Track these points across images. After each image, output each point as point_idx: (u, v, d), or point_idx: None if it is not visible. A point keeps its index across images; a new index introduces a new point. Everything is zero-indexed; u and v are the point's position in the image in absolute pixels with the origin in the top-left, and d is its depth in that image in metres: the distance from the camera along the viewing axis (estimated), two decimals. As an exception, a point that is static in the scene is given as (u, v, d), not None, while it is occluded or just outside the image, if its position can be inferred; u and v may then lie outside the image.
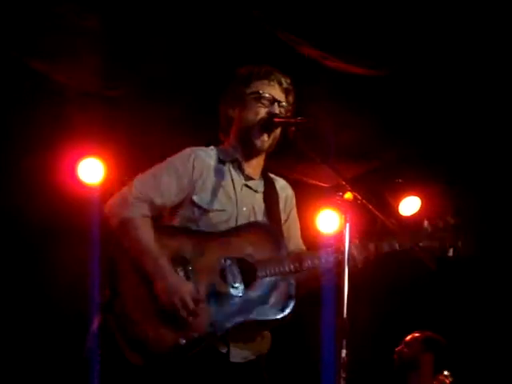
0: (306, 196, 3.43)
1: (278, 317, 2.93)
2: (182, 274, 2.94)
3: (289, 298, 2.97)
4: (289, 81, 3.24)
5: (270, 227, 3.13)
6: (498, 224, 5.85)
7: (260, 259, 2.99)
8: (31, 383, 5.58)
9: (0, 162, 5.27)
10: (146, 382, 2.91)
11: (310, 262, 3.02)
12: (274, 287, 2.96)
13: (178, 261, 2.96)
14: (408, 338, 5.02)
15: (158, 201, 3.07)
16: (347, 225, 2.75)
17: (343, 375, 2.58)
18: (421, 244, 3.10)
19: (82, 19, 4.44)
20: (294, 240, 3.29)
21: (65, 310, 5.51)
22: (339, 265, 2.80)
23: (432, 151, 5.58)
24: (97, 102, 5.09)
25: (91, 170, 5.49)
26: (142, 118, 5.17)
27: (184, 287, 2.88)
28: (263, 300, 2.93)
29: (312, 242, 3.43)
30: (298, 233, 3.36)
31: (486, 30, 4.48)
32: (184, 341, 2.83)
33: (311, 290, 3.20)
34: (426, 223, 3.13)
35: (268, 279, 2.96)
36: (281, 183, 3.35)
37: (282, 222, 3.25)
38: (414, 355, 4.91)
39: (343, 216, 2.78)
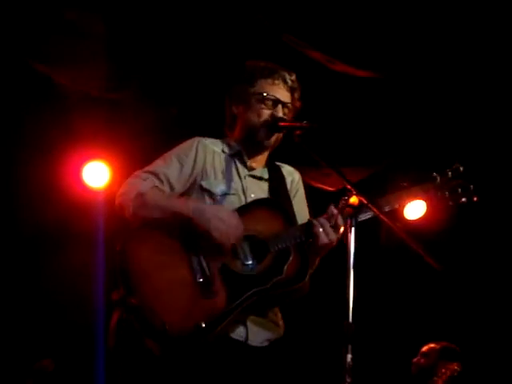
0: (310, 200, 3.41)
1: (294, 286, 2.95)
2: (194, 258, 2.94)
3: (303, 267, 2.97)
4: (294, 77, 3.22)
5: (276, 201, 3.14)
6: (496, 228, 5.85)
7: (269, 234, 2.99)
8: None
9: (6, 166, 5.27)
10: (168, 371, 2.90)
11: (319, 227, 3.00)
12: (286, 259, 2.97)
13: (191, 243, 2.96)
14: (424, 348, 5.07)
15: (160, 185, 3.09)
16: (352, 229, 2.73)
17: (348, 380, 2.57)
18: (433, 194, 3.10)
19: (86, 23, 4.45)
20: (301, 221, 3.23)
21: (70, 313, 5.51)
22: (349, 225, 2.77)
23: (435, 154, 5.57)
24: (101, 105, 5.09)
25: (96, 174, 5.49)
26: (146, 121, 5.17)
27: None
28: (277, 272, 2.94)
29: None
30: (306, 215, 3.30)
31: (484, 38, 4.49)
32: (204, 324, 2.83)
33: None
34: (434, 174, 3.13)
35: (280, 252, 2.97)
36: (287, 168, 3.37)
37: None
38: (432, 365, 4.95)
39: (348, 220, 2.77)
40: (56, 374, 5.51)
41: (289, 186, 3.29)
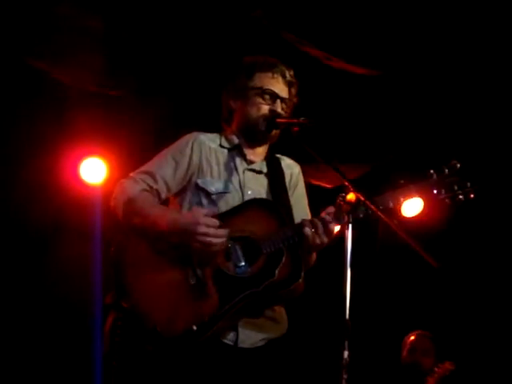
0: (308, 197, 3.41)
1: (287, 288, 2.92)
2: (186, 261, 2.92)
3: (296, 269, 2.95)
4: (292, 73, 3.22)
5: (269, 201, 3.11)
6: (495, 226, 5.86)
7: (262, 234, 2.97)
8: (34, 381, 5.60)
9: (3, 162, 5.27)
10: (162, 372, 2.92)
11: (310, 228, 2.96)
12: (279, 260, 2.94)
13: (182, 247, 2.94)
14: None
15: (154, 185, 3.09)
16: (350, 225, 2.74)
17: (345, 376, 2.57)
18: (429, 191, 3.05)
19: (84, 19, 4.44)
20: (300, 217, 3.18)
21: (68, 308, 5.51)
22: (343, 225, 2.78)
23: (432, 151, 5.58)
24: (99, 101, 5.09)
25: (93, 170, 5.49)
26: (144, 117, 5.17)
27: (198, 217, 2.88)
28: (269, 275, 2.91)
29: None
30: (305, 209, 3.28)
31: (482, 35, 4.50)
32: (195, 327, 2.83)
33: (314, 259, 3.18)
34: (431, 172, 3.09)
35: (273, 253, 2.95)
36: (287, 161, 3.33)
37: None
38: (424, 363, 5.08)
39: (346, 216, 2.78)
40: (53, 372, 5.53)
41: (287, 181, 3.25)
